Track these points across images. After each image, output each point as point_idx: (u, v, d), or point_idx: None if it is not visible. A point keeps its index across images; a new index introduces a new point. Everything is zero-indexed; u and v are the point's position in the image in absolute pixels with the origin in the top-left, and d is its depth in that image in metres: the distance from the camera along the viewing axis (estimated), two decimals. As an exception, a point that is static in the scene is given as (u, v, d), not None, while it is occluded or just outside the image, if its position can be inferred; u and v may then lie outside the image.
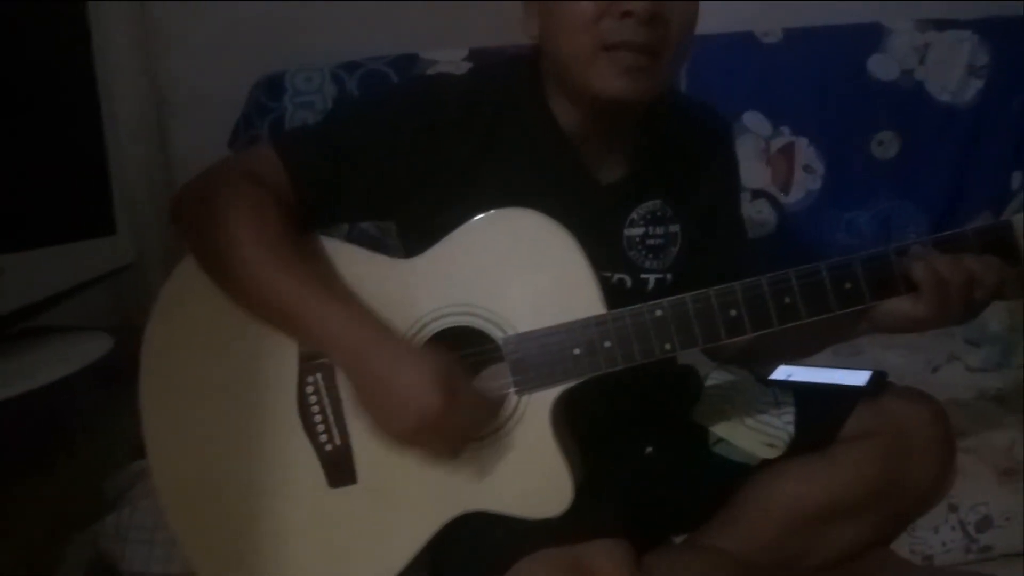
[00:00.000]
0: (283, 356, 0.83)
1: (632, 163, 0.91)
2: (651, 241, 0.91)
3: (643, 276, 0.91)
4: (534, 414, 0.79)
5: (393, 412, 0.75)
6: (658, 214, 0.92)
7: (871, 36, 1.67)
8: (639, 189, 0.91)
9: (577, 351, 0.78)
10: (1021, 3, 1.75)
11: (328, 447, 0.82)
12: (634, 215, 0.91)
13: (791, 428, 0.92)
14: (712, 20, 1.64)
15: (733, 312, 0.77)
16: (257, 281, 0.78)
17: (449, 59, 1.55)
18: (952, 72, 1.69)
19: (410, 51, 1.59)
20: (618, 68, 0.80)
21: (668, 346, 0.78)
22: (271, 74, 1.56)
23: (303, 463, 0.82)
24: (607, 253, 0.87)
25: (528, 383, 0.79)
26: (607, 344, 0.77)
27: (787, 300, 0.76)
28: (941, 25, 1.68)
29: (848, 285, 0.76)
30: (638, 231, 0.91)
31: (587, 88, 0.82)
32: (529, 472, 0.78)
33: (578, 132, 0.88)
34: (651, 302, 0.78)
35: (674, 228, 0.93)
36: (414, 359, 0.75)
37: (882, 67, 1.67)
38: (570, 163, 0.89)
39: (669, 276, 0.92)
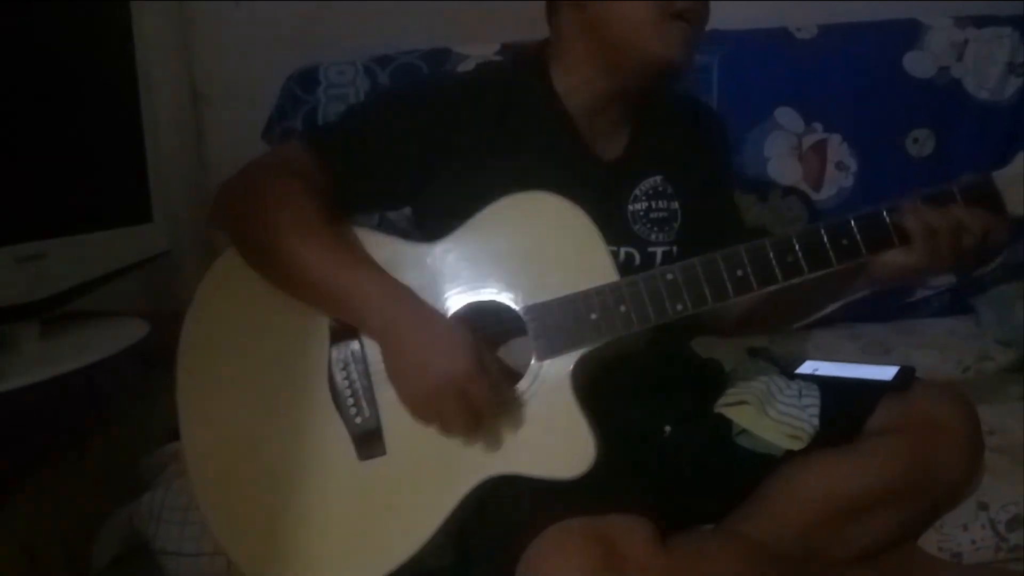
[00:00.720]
0: (314, 336, 0.86)
1: (632, 142, 0.97)
2: (655, 215, 0.96)
3: (650, 250, 0.94)
4: (555, 378, 0.82)
5: (417, 375, 0.78)
6: (659, 189, 0.97)
7: (908, 33, 1.65)
8: (640, 166, 0.96)
9: (594, 316, 0.82)
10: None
11: (358, 420, 0.84)
12: (637, 191, 0.95)
13: (815, 421, 0.92)
14: (746, 15, 1.66)
15: (740, 272, 0.81)
16: (300, 261, 0.83)
17: (482, 54, 1.56)
18: (991, 69, 1.65)
19: (443, 46, 1.60)
20: (682, 37, 0.88)
21: (680, 307, 0.81)
22: (305, 67, 1.58)
23: (333, 439, 0.85)
24: (614, 228, 0.90)
25: (549, 348, 0.82)
26: (622, 308, 0.81)
27: (790, 259, 0.81)
28: (980, 22, 1.65)
29: (845, 241, 0.80)
30: (642, 205, 0.96)
31: (644, 51, 0.88)
32: (552, 433, 0.81)
33: (583, 112, 0.94)
34: (662, 267, 0.83)
35: (675, 204, 0.97)
36: (444, 329, 0.80)
37: (919, 64, 1.65)
38: (574, 141, 0.94)
39: (675, 249, 0.95)
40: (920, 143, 1.67)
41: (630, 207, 0.95)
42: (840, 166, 1.67)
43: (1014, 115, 1.65)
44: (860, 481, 0.88)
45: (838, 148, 1.66)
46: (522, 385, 0.82)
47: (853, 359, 1.35)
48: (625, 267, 0.90)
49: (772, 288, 0.81)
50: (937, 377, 1.29)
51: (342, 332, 0.86)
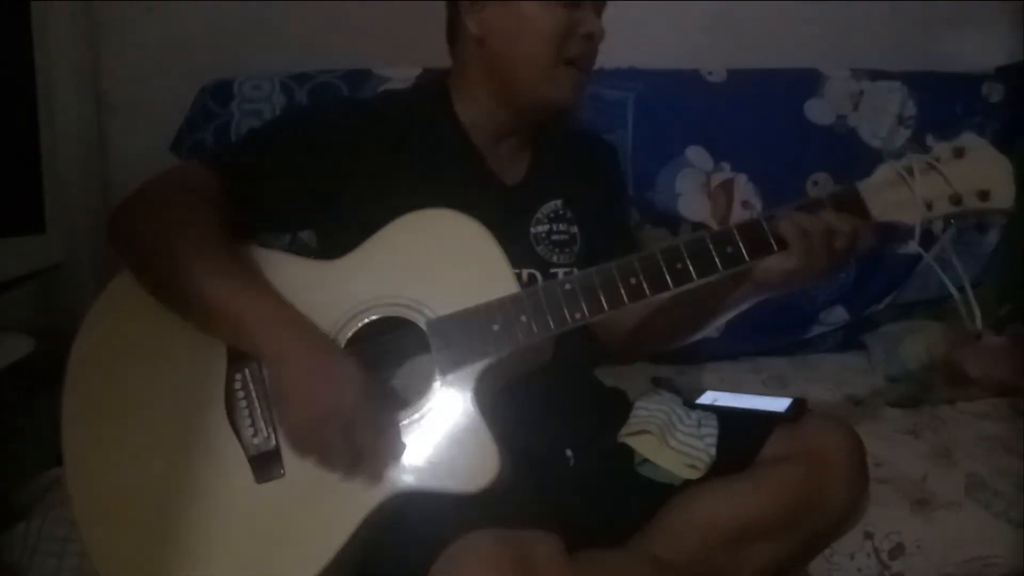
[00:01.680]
0: (211, 359, 0.84)
1: (532, 167, 1.01)
2: (556, 237, 1.00)
3: (552, 271, 0.97)
4: (458, 392, 0.81)
5: (300, 400, 0.77)
6: (560, 213, 1.00)
7: (809, 81, 1.75)
8: (541, 190, 1.00)
9: (496, 327, 0.82)
10: (948, 57, 1.86)
11: (256, 441, 0.82)
12: (539, 214, 0.99)
13: (712, 450, 0.95)
14: (660, 56, 1.72)
15: (633, 280, 0.84)
16: (191, 284, 0.80)
17: (402, 77, 1.56)
18: (883, 120, 1.76)
19: (363, 67, 1.59)
20: (573, 82, 0.94)
21: (579, 315, 0.84)
22: (220, 80, 1.55)
23: (229, 462, 0.82)
24: (517, 250, 0.91)
25: (452, 362, 0.82)
26: (523, 318, 0.83)
27: (679, 266, 0.85)
28: (874, 75, 1.77)
29: (729, 248, 0.85)
30: (544, 228, 0.99)
31: (536, 92, 0.94)
32: (455, 446, 0.80)
33: (485, 139, 0.98)
34: (560, 279, 0.85)
35: (574, 228, 1.01)
36: (330, 358, 0.79)
37: (819, 111, 1.74)
38: (477, 166, 0.97)
39: (575, 270, 0.96)
40: (819, 186, 1.75)
41: (532, 229, 0.98)
42: (746, 205, 1.74)
43: (903, 163, 1.76)
44: (752, 508, 0.90)
45: (744, 187, 1.73)
46: (422, 402, 0.81)
47: (754, 391, 1.40)
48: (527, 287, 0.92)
49: (665, 295, 0.85)
50: (830, 409, 1.35)
51: (240, 353, 0.83)
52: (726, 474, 0.93)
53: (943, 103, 1.76)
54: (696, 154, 1.71)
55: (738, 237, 0.85)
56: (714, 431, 0.96)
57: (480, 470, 0.78)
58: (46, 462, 1.05)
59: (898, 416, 1.37)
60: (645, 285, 0.84)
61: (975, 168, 0.86)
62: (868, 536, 1.06)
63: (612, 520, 0.93)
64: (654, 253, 0.85)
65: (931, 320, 1.63)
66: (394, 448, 0.79)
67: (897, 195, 0.86)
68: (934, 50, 1.90)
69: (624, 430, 0.99)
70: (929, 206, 0.86)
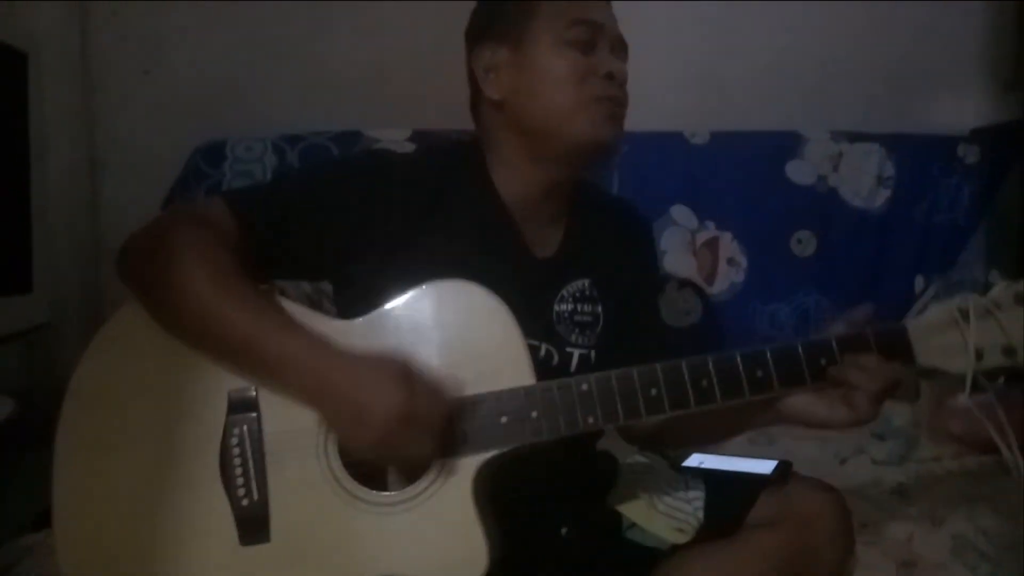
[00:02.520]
0: (210, 407, 0.82)
1: (565, 241, 0.97)
2: (579, 318, 0.96)
3: (568, 350, 0.94)
4: (457, 480, 0.79)
5: (362, 420, 0.75)
6: (586, 293, 0.97)
7: (790, 143, 1.80)
8: (570, 267, 0.96)
9: (504, 419, 0.79)
10: (924, 119, 1.92)
11: (245, 502, 0.80)
12: (564, 291, 0.95)
13: (700, 514, 0.94)
14: (645, 118, 1.76)
15: (654, 391, 0.80)
16: (213, 314, 0.78)
17: (392, 139, 1.60)
18: (863, 180, 1.82)
19: (354, 129, 1.63)
20: (605, 114, 0.90)
21: (591, 419, 0.80)
22: (212, 141, 1.58)
23: (217, 518, 0.79)
24: (537, 324, 0.90)
25: (454, 447, 0.79)
26: (534, 414, 0.79)
27: (704, 383, 0.80)
28: (853, 137, 1.82)
29: (759, 373, 0.80)
30: (567, 307, 0.95)
31: (567, 135, 0.90)
32: (445, 538, 0.78)
33: (520, 205, 0.94)
34: (578, 376, 0.81)
35: (598, 308, 0.97)
36: (370, 367, 0.77)
37: (800, 172, 1.79)
38: (509, 235, 0.93)
39: (593, 353, 0.95)
40: (803, 243, 1.79)
41: (556, 307, 0.94)
42: (731, 262, 1.77)
43: (883, 224, 1.81)
44: (740, 574, 0.90)
45: (729, 245, 1.77)
46: (421, 481, 0.80)
47: (741, 448, 1.40)
48: (543, 363, 0.89)
49: (683, 412, 0.80)
50: (816, 468, 1.35)
51: (241, 403, 0.81)
52: (714, 538, 0.92)
53: (920, 164, 1.82)
54: (681, 213, 1.74)
55: (771, 363, 0.80)
56: (701, 495, 0.96)
57: (466, 567, 0.76)
58: (23, 527, 1.03)
59: (884, 474, 1.37)
60: (665, 400, 0.80)
61: None
62: (857, 599, 1.05)
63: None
64: (679, 364, 0.80)
65: (916, 377, 1.65)
66: (403, 515, 0.78)
67: (946, 338, 0.80)
68: (910, 113, 1.96)
69: (613, 494, 0.98)
70: (980, 355, 0.79)
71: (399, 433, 0.75)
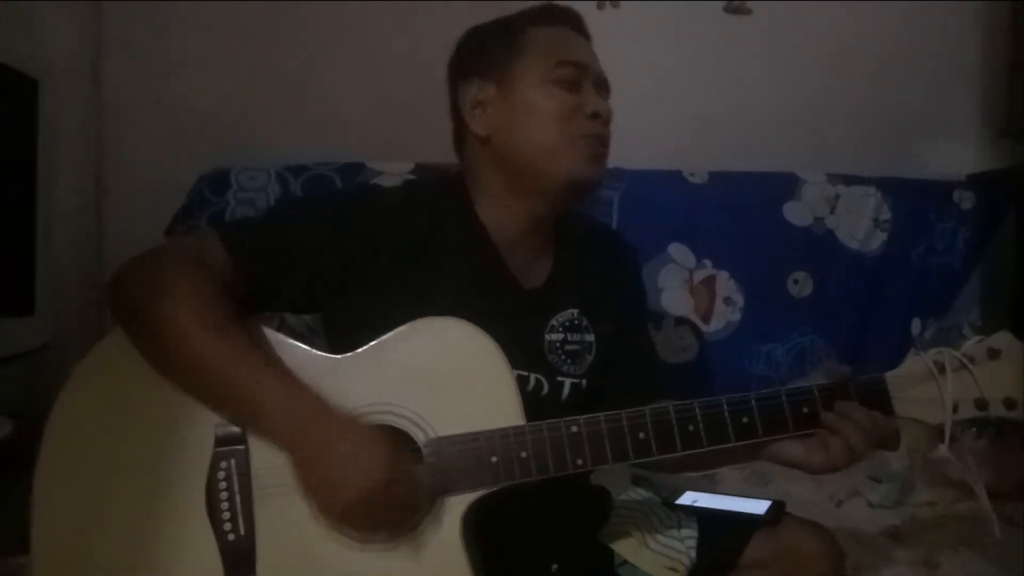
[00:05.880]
0: (197, 440, 0.81)
1: (553, 272, 0.98)
2: (570, 347, 0.97)
3: (559, 379, 0.95)
4: (446, 519, 0.79)
5: (337, 481, 0.75)
6: (576, 322, 0.98)
7: (787, 184, 1.82)
8: (559, 297, 0.98)
9: (494, 459, 0.80)
10: (920, 164, 1.95)
11: (231, 537, 0.79)
12: (554, 321, 0.96)
13: (693, 553, 0.94)
14: (645, 157, 1.79)
15: (642, 435, 0.82)
16: (197, 351, 0.78)
17: (396, 171, 1.62)
18: (859, 223, 1.84)
19: (357, 160, 1.65)
20: (590, 154, 0.93)
21: (580, 461, 0.81)
22: (218, 169, 1.60)
23: (202, 552, 0.79)
24: (528, 355, 0.91)
25: (444, 486, 0.80)
26: (523, 454, 0.80)
27: (691, 428, 0.83)
28: (849, 180, 1.85)
29: (745, 420, 0.83)
30: (558, 336, 0.96)
31: (550, 172, 0.92)
32: None
33: (506, 238, 0.95)
34: (568, 418, 0.82)
35: (589, 337, 0.98)
36: (355, 430, 0.77)
37: (796, 213, 1.81)
38: (495, 267, 0.95)
39: (584, 382, 0.96)
40: (800, 284, 1.81)
41: (547, 336, 0.95)
42: (728, 301, 1.78)
43: (879, 266, 1.82)
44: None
45: (726, 284, 1.78)
46: (412, 520, 0.79)
47: (736, 488, 1.39)
48: (533, 393, 0.90)
49: (669, 456, 0.82)
50: (811, 509, 1.35)
51: (229, 437, 0.81)
52: (705, 578, 0.92)
53: (916, 208, 1.84)
54: (679, 251, 1.76)
55: (756, 410, 0.83)
56: (694, 534, 0.96)
57: None
58: (24, 543, 1.02)
59: (879, 518, 1.37)
60: (653, 444, 0.82)
61: (1006, 373, 0.83)
62: (850, 644, 1.05)
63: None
64: (667, 409, 0.83)
65: (912, 421, 1.65)
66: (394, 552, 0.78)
67: (923, 392, 0.84)
68: (906, 157, 1.99)
69: (605, 530, 0.98)
70: (955, 408, 0.83)
71: (369, 514, 0.76)
